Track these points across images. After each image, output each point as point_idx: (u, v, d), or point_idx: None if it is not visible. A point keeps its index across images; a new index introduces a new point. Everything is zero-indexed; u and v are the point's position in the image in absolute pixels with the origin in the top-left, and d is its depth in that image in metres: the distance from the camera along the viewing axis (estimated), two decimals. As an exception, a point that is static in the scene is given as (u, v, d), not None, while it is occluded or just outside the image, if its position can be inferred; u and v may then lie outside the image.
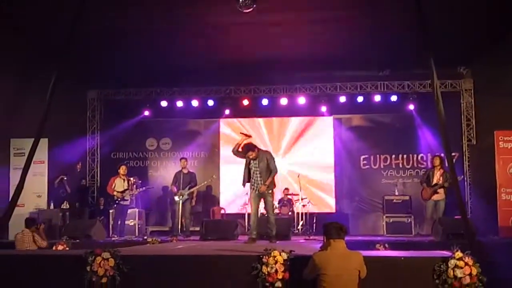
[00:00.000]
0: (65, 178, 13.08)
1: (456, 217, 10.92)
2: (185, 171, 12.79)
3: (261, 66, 14.16)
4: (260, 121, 15.41)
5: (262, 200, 9.56)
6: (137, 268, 5.94)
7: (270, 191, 9.48)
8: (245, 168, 9.46)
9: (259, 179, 9.30)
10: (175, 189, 12.67)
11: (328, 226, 5.27)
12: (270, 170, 9.35)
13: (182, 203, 12.51)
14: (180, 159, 13.21)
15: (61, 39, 8.65)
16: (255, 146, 9.45)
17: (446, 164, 10.01)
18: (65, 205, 12.72)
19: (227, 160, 14.45)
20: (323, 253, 5.20)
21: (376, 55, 13.64)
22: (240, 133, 9.87)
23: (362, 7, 11.01)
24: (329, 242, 5.19)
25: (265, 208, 9.74)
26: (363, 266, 5.18)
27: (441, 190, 11.79)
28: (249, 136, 9.75)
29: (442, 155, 12.45)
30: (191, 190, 12.66)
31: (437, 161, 12.13)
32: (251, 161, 9.36)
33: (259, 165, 9.32)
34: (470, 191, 14.13)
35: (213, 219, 13.49)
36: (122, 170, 12.57)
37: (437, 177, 11.89)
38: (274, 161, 9.51)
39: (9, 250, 7.78)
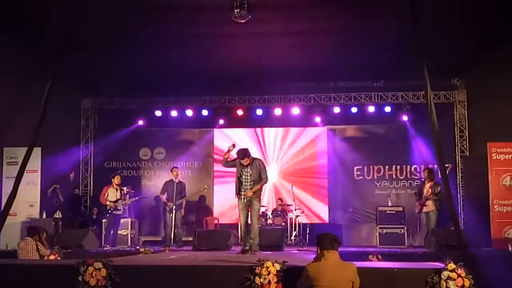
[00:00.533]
0: (58, 187, 13.03)
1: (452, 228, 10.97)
2: (176, 180, 12.74)
3: (255, 76, 14.21)
4: (254, 131, 15.42)
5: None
6: (130, 278, 5.92)
7: (258, 198, 9.42)
8: (236, 179, 9.43)
9: (249, 187, 9.28)
10: (164, 198, 12.62)
11: (321, 237, 5.27)
12: (261, 179, 9.33)
13: (174, 213, 12.48)
14: (172, 169, 13.01)
15: (56, 48, 8.65)
16: (249, 153, 9.41)
17: (439, 176, 10.03)
18: (58, 215, 12.64)
19: (221, 170, 14.45)
20: (316, 264, 5.19)
21: (370, 66, 13.68)
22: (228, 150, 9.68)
23: (357, 18, 11.06)
24: (322, 253, 5.18)
25: (250, 214, 9.39)
26: (357, 277, 5.17)
27: (429, 202, 11.93)
28: (233, 146, 9.67)
29: (432, 166, 12.59)
30: (182, 200, 12.63)
31: (425, 174, 12.30)
32: (243, 170, 9.31)
33: (252, 173, 9.28)
34: (463, 203, 14.17)
35: (206, 229, 13.46)
36: (117, 180, 12.54)
37: (426, 189, 12.02)
38: (266, 171, 9.50)
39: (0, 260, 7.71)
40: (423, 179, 12.90)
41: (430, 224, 11.83)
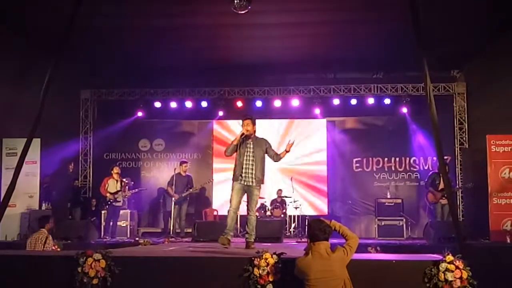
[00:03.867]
0: (47, 185, 12.91)
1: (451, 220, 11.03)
2: (183, 174, 12.83)
3: (254, 67, 14.19)
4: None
5: (246, 195, 8.12)
6: (129, 269, 5.92)
7: (259, 186, 8.08)
8: (235, 162, 8.12)
9: (250, 168, 7.96)
10: (171, 190, 12.70)
11: (311, 228, 5.20)
12: (264, 161, 8.05)
13: (180, 205, 12.56)
14: (182, 163, 13.19)
15: (56, 39, 8.63)
16: (254, 120, 8.19)
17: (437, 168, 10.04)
18: (48, 206, 12.54)
19: (220, 162, 14.50)
20: (305, 259, 5.14)
21: (370, 57, 13.67)
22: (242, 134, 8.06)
23: (357, 10, 11.03)
24: (310, 246, 5.14)
25: (247, 204, 8.11)
26: (346, 258, 5.12)
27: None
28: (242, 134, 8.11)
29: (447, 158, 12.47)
30: (189, 191, 12.73)
31: None
32: (243, 148, 8.02)
33: (254, 152, 8.01)
34: (462, 195, 14.20)
35: (206, 221, 13.47)
36: (116, 170, 12.63)
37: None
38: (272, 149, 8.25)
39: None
40: (432, 171, 12.83)
41: (444, 216, 11.78)
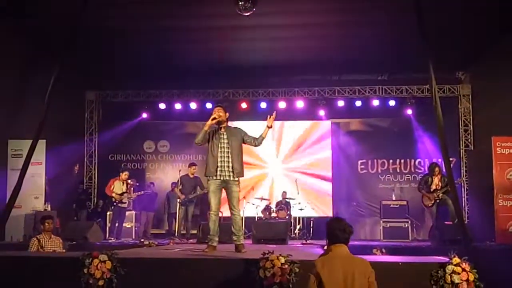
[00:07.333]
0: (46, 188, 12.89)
1: (446, 222, 10.98)
2: (191, 175, 12.74)
3: (259, 69, 14.19)
4: (258, 124, 15.37)
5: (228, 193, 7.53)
6: (134, 270, 5.92)
7: (237, 181, 7.47)
8: (207, 155, 7.52)
9: (225, 161, 7.35)
10: (179, 193, 12.64)
11: (329, 229, 4.58)
12: (241, 151, 7.48)
13: (186, 207, 12.50)
14: (190, 165, 12.89)
15: (61, 40, 8.66)
16: (226, 109, 7.57)
17: (444, 170, 10.00)
18: (47, 207, 12.51)
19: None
20: (325, 261, 4.49)
21: (375, 59, 13.65)
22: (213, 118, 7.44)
23: (362, 12, 11.03)
24: (330, 248, 4.57)
25: (228, 202, 7.55)
26: (370, 281, 4.54)
27: (442, 195, 11.62)
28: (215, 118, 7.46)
29: (436, 160, 12.43)
30: (198, 193, 12.57)
31: (432, 168, 11.93)
32: (216, 140, 7.41)
33: (229, 142, 7.39)
34: (468, 197, 14.16)
35: (210, 223, 13.44)
36: (124, 175, 12.52)
37: (435, 183, 11.73)
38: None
39: (4, 252, 7.73)
40: (425, 172, 12.76)
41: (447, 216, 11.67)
